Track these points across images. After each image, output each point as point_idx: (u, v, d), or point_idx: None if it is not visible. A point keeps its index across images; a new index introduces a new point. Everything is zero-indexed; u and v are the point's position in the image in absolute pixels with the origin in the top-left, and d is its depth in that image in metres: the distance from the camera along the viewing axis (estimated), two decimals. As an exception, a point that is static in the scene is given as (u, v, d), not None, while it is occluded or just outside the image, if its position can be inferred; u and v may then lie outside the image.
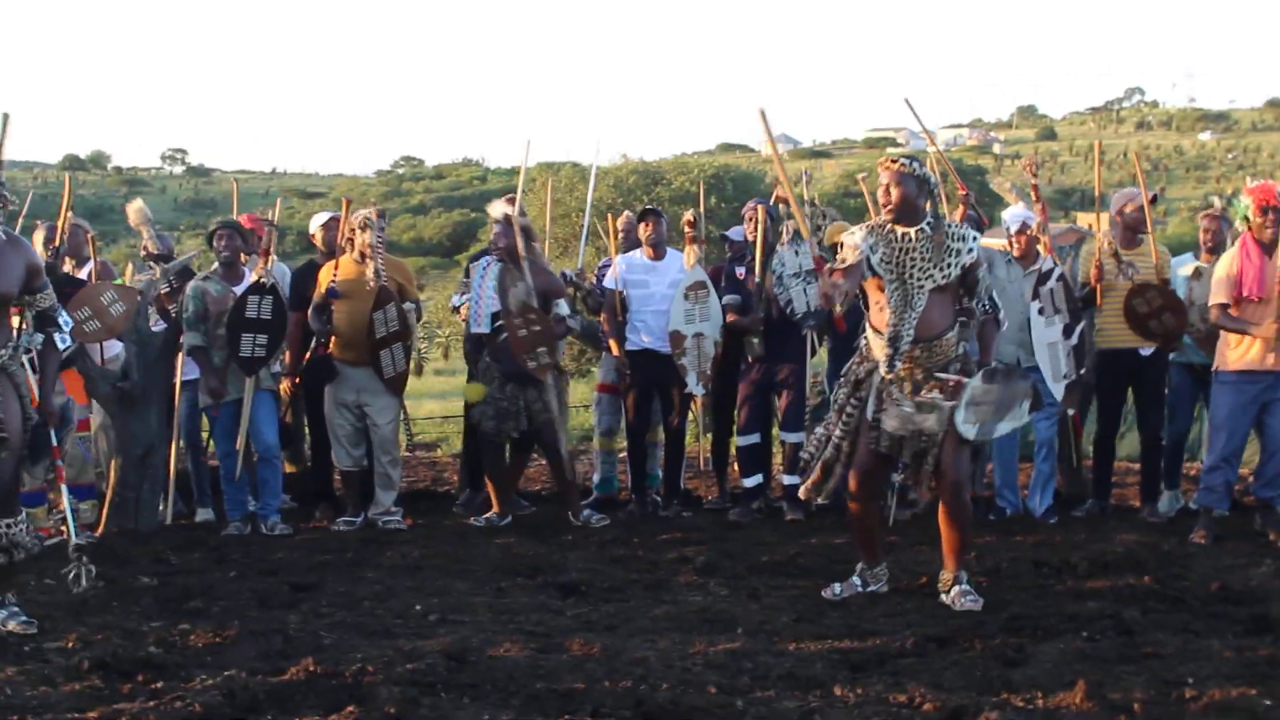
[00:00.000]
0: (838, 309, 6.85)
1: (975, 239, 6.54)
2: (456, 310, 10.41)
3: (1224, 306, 8.15)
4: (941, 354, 6.47)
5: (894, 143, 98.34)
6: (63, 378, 8.59)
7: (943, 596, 6.62)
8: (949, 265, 6.41)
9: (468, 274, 10.03)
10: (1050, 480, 9.44)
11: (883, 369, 6.48)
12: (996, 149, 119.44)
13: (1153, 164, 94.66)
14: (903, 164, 6.47)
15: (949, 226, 6.52)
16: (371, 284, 9.05)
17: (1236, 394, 8.30)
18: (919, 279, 6.39)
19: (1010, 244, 9.42)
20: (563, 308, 9.21)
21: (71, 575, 6.47)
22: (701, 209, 10.66)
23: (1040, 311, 8.95)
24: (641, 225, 9.90)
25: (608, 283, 9.87)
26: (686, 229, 9.98)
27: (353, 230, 9.23)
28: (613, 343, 9.75)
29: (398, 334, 9.13)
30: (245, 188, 11.22)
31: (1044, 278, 8.98)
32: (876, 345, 6.53)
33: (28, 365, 6.52)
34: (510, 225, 9.30)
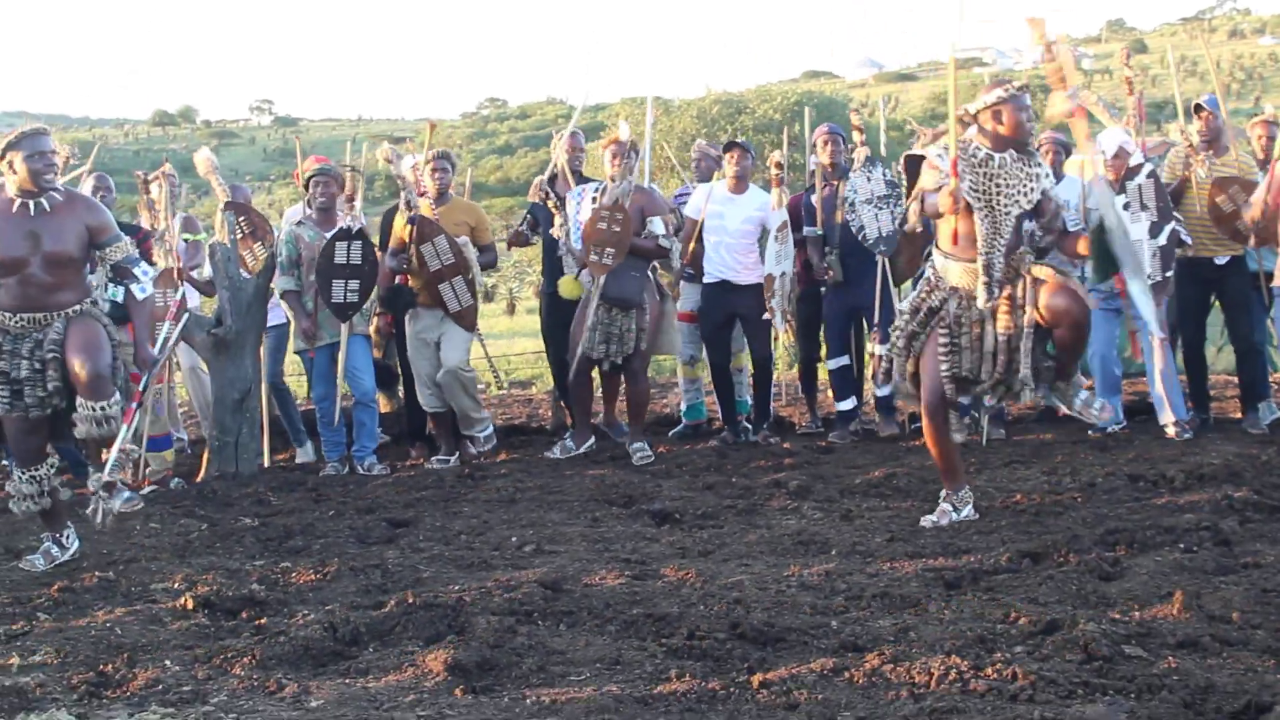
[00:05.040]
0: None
1: (1042, 163, 6.46)
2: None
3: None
4: (1012, 270, 6.40)
5: (981, 63, 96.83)
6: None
7: (1065, 399, 6.65)
8: (1031, 191, 6.33)
9: (533, 210, 10.17)
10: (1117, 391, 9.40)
11: (981, 301, 6.37)
12: (1086, 64, 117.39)
13: (1246, 73, 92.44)
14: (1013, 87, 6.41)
15: (1030, 151, 6.42)
16: (407, 213, 9.11)
17: None
18: (1006, 206, 6.31)
19: (1105, 167, 9.25)
20: (656, 225, 9.14)
21: (90, 510, 6.58)
22: (786, 140, 10.60)
23: (1126, 207, 8.77)
24: (728, 156, 9.86)
25: (687, 211, 9.85)
26: (774, 169, 9.94)
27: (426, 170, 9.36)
28: (674, 285, 9.81)
29: (454, 266, 9.12)
30: (332, 135, 11.34)
31: (1132, 172, 8.77)
32: (953, 271, 6.47)
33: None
34: (635, 150, 9.45)
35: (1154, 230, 8.69)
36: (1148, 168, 8.77)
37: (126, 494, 6.50)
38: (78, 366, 6.26)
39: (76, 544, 6.70)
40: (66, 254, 6.32)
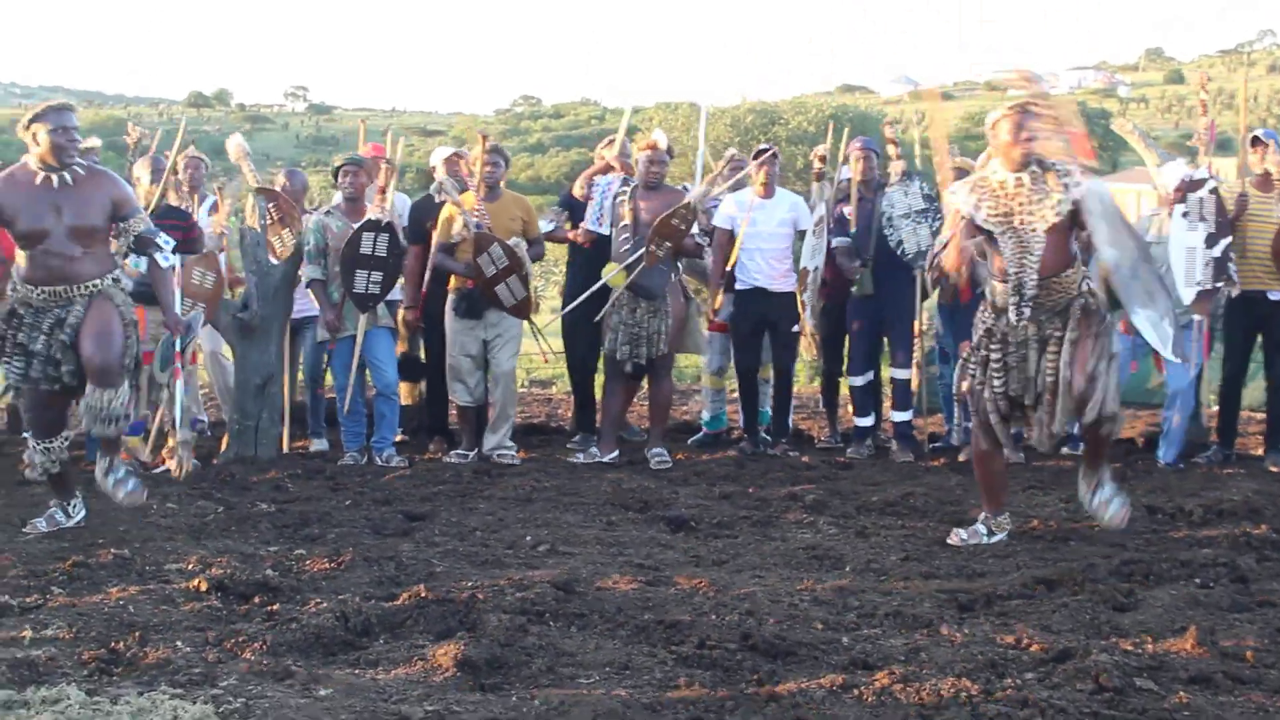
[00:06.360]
0: (961, 275, 6.78)
1: (1077, 175, 6.41)
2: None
3: None
4: (1061, 292, 6.37)
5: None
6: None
7: (1083, 495, 6.63)
8: (1059, 203, 6.32)
9: (565, 204, 10.28)
10: (1182, 430, 9.27)
11: (1012, 316, 6.38)
12: (1122, 91, 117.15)
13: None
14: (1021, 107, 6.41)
15: (1054, 165, 6.41)
16: (466, 234, 9.11)
17: None
18: (1029, 222, 6.31)
19: (1165, 200, 9.20)
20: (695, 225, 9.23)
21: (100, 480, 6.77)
22: (830, 136, 10.62)
23: (1185, 214, 8.76)
24: (755, 163, 9.85)
25: (718, 221, 9.83)
26: (817, 164, 9.99)
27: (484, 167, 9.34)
28: (713, 287, 9.79)
29: (508, 268, 9.14)
30: (365, 126, 11.36)
31: (1195, 185, 8.77)
32: (1000, 291, 6.45)
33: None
34: (669, 155, 9.52)
35: (1210, 241, 8.70)
36: (1211, 183, 8.78)
37: (132, 483, 6.64)
38: (88, 353, 6.46)
39: (82, 513, 6.91)
40: (89, 226, 6.50)
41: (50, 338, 6.50)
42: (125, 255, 6.84)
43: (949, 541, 6.68)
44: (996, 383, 6.51)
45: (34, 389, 6.61)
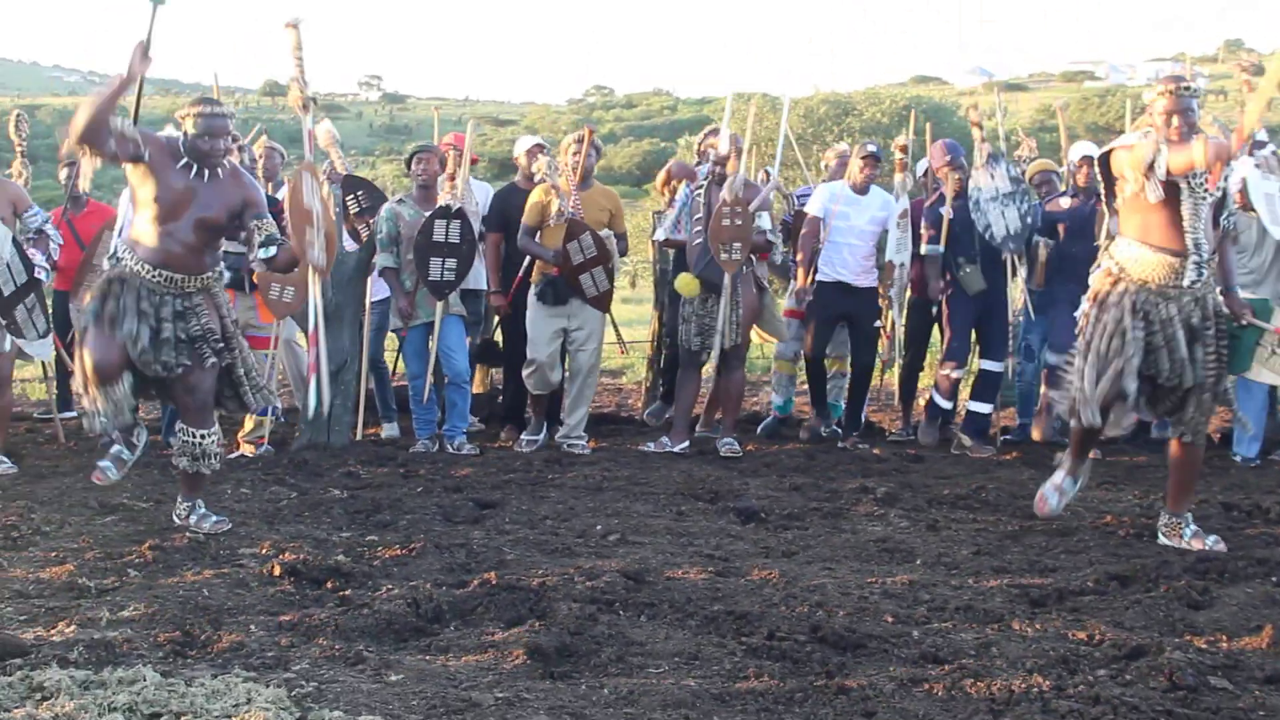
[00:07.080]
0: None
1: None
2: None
3: None
4: (1207, 279, 6.26)
5: (1093, 76, 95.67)
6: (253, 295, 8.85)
7: (1163, 538, 6.46)
8: (1223, 179, 6.26)
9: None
10: (1259, 426, 9.12)
11: (1186, 279, 6.16)
12: (1200, 84, 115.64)
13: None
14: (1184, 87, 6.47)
15: None
16: (557, 221, 9.14)
17: None
18: (1201, 192, 6.17)
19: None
20: (764, 220, 9.21)
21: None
22: (911, 127, 10.57)
23: (1257, 166, 8.71)
24: (861, 162, 9.77)
25: (811, 210, 9.80)
26: (899, 154, 9.92)
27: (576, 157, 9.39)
28: (801, 271, 9.71)
29: (595, 259, 9.18)
30: (439, 114, 11.52)
31: (1258, 145, 8.74)
32: (1147, 263, 6.22)
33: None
34: (733, 148, 9.50)
35: None
36: (1271, 146, 8.77)
37: (214, 517, 6.56)
38: (190, 385, 6.44)
39: (145, 437, 6.76)
40: (216, 221, 6.44)
41: (175, 326, 6.37)
42: (259, 248, 6.79)
43: (1041, 510, 6.65)
44: (1135, 361, 6.20)
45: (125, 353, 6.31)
